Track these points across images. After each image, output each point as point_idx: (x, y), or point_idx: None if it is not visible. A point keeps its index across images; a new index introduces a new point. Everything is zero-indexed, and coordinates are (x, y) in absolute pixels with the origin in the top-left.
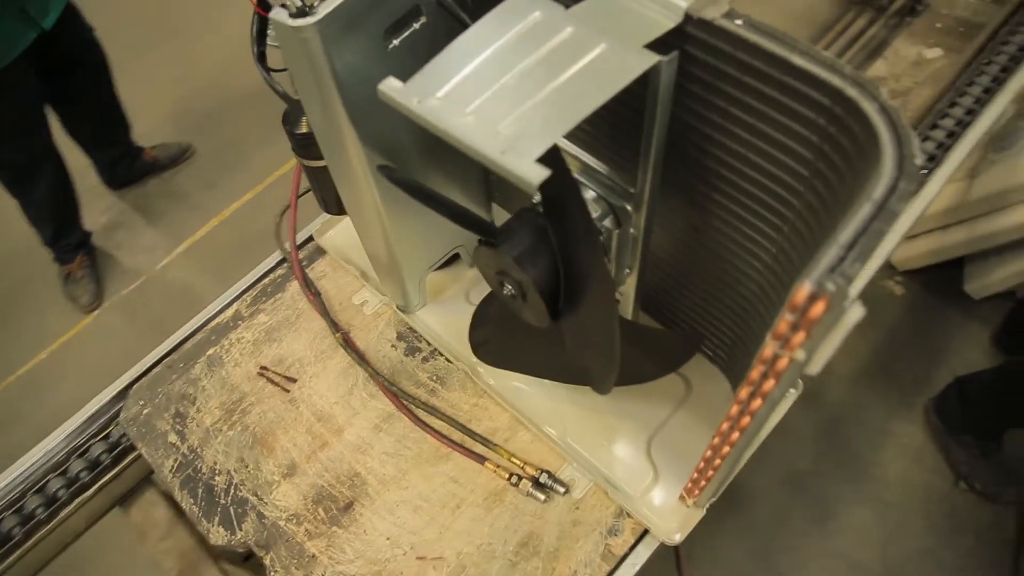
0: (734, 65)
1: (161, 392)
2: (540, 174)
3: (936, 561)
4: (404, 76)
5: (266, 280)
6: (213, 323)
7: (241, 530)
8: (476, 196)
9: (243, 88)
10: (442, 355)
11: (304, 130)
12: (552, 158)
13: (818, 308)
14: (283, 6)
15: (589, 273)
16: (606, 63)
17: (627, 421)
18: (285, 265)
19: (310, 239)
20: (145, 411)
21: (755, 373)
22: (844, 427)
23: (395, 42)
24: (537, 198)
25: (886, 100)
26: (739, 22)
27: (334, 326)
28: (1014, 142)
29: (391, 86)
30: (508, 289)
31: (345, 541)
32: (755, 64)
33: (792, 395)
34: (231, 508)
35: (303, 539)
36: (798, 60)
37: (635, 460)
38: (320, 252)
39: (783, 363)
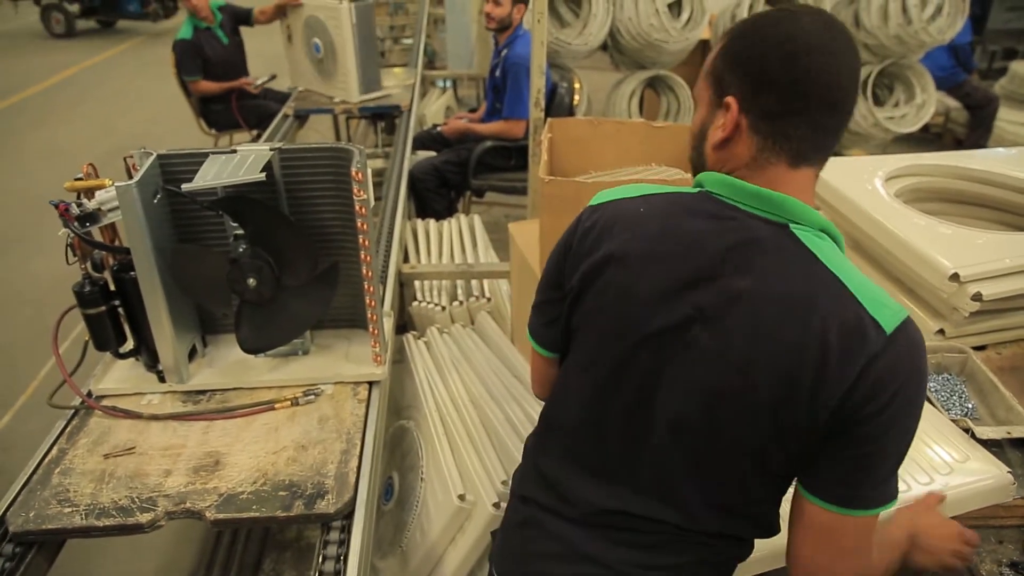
0: (304, 161)
1: (34, 502)
2: (259, 175)
3: None
4: (164, 213)
5: (69, 428)
6: (47, 460)
7: (158, 507)
8: (190, 317)
9: None
10: (215, 392)
11: (88, 288)
12: (246, 188)
13: (359, 175)
14: (79, 206)
15: (284, 242)
16: (255, 159)
17: (325, 352)
18: (77, 415)
19: (89, 396)
20: (31, 514)
21: (360, 241)
22: None
23: (155, 200)
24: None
25: (357, 146)
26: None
27: (138, 415)
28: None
29: (187, 185)
30: (252, 283)
31: (231, 472)
32: (312, 157)
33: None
34: (144, 506)
35: (202, 486)
36: (325, 144)
37: (343, 363)
38: (97, 400)
39: (362, 209)
